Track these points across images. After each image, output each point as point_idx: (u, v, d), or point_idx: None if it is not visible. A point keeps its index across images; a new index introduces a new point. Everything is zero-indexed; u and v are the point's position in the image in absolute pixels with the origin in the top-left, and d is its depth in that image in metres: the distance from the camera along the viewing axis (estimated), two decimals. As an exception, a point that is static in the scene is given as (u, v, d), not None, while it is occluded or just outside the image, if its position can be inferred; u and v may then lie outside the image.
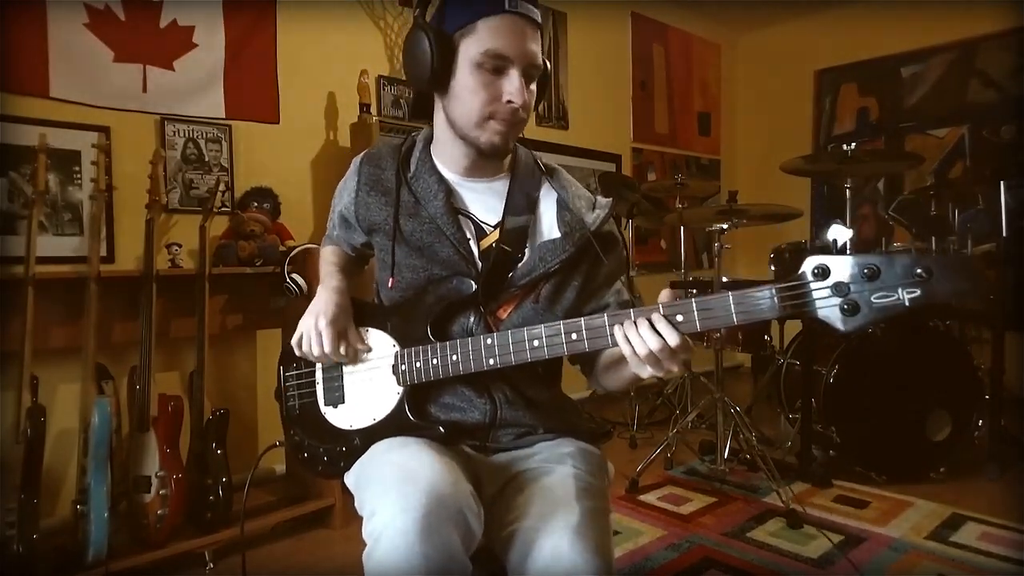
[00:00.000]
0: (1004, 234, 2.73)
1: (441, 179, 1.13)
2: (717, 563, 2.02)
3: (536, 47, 1.04)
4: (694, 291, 3.25)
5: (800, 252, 3.08)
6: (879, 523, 2.29)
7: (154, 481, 1.95)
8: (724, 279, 3.01)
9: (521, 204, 1.12)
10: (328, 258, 1.28)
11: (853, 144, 2.85)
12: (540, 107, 3.87)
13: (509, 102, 1.03)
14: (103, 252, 2.20)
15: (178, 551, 1.97)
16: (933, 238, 2.95)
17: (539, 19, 1.04)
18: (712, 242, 2.75)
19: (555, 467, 1.08)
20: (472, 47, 1.02)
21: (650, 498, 2.56)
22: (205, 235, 2.17)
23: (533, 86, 1.08)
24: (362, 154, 1.20)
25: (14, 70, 2.13)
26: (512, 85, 1.02)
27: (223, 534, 2.02)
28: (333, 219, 1.28)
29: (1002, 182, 2.74)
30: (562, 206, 1.13)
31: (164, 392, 2.03)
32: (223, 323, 2.40)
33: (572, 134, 4.07)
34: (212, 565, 2.03)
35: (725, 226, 2.71)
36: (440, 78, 1.05)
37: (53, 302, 1.99)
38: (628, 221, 3.77)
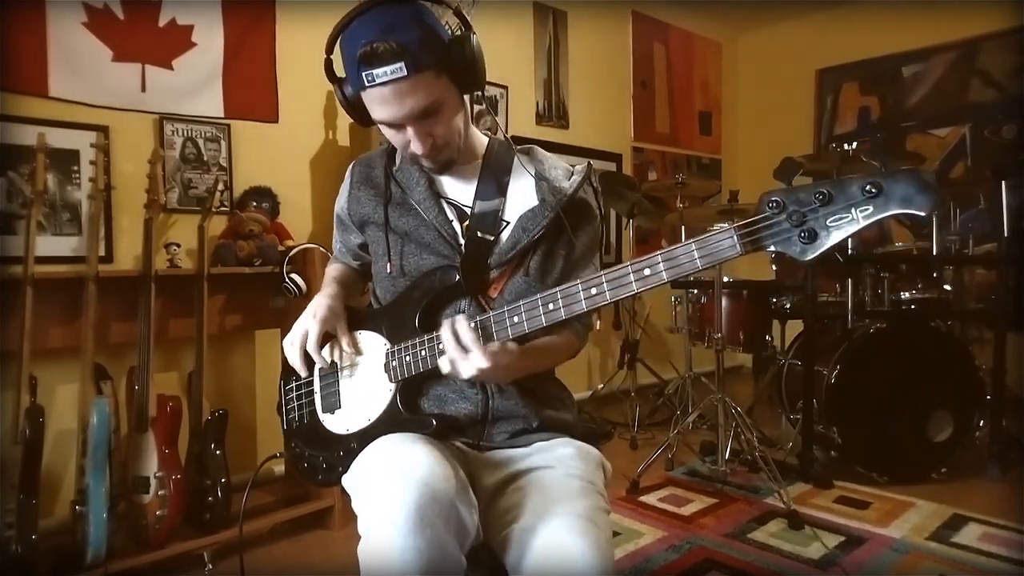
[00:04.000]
0: (1005, 234, 2.73)
1: (422, 168, 1.17)
2: (718, 564, 2.02)
3: (414, 100, 1.00)
4: (695, 291, 3.25)
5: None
6: (880, 524, 2.28)
7: (153, 482, 1.94)
8: (725, 279, 3.01)
9: (491, 188, 1.16)
10: (329, 273, 1.34)
11: (855, 143, 2.84)
12: (540, 106, 3.87)
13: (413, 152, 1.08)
14: (102, 252, 2.19)
15: (177, 552, 1.96)
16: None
17: (404, 71, 0.97)
18: (713, 242, 2.74)
19: (552, 467, 1.07)
20: (369, 110, 1.06)
21: (651, 499, 2.56)
22: (204, 235, 2.17)
23: (446, 111, 1.06)
24: (354, 160, 1.28)
25: (13, 69, 2.12)
26: (410, 140, 1.06)
27: (222, 535, 2.01)
28: (335, 232, 1.34)
29: (1003, 182, 2.74)
30: (539, 177, 1.16)
31: (163, 392, 2.03)
32: (222, 323, 2.39)
33: (572, 133, 4.06)
34: (211, 566, 2.03)
35: (726, 225, 2.70)
36: (365, 121, 1.10)
37: (51, 302, 1.98)
38: (629, 221, 3.76)
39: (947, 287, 2.93)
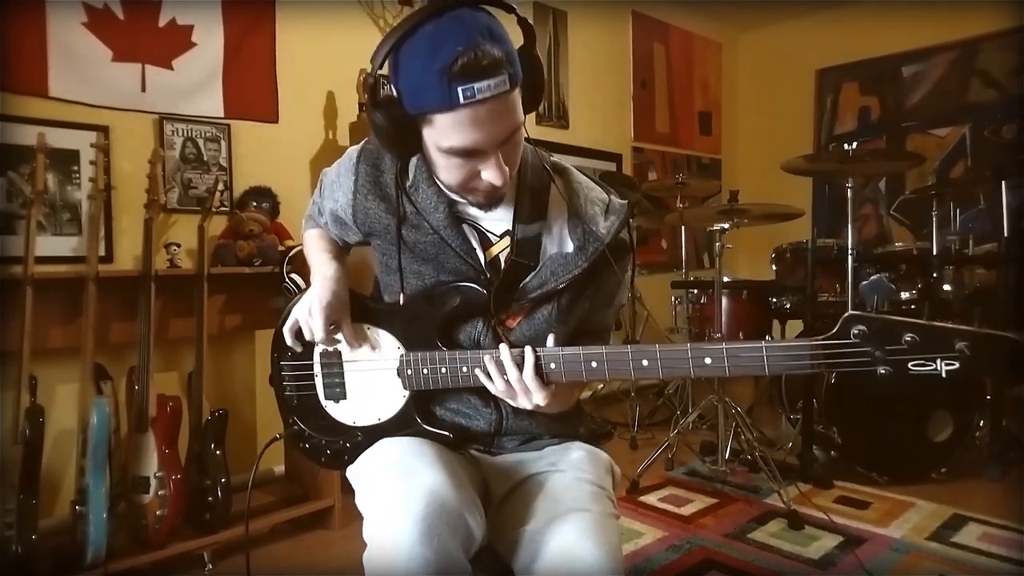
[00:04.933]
0: (1005, 234, 2.73)
1: (440, 191, 1.04)
2: (718, 564, 2.02)
3: (508, 121, 0.89)
4: (695, 291, 3.25)
5: (801, 252, 3.06)
6: (880, 524, 2.28)
7: (153, 482, 1.94)
8: (725, 279, 3.00)
9: (531, 211, 1.05)
10: (317, 243, 1.20)
11: (854, 143, 2.84)
12: (540, 106, 3.87)
13: (490, 183, 0.94)
14: (102, 252, 2.19)
15: (177, 552, 1.96)
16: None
17: (507, 85, 0.85)
18: (713, 242, 2.74)
19: (564, 471, 1.07)
20: (434, 136, 0.90)
21: (651, 499, 2.56)
22: (204, 235, 2.16)
23: (520, 135, 0.95)
24: (358, 149, 1.10)
25: (13, 69, 2.12)
26: (489, 169, 0.92)
27: (222, 535, 2.01)
28: (320, 207, 1.20)
29: (1003, 181, 2.74)
30: (573, 213, 1.05)
31: (163, 392, 2.02)
32: (222, 323, 2.39)
33: (572, 133, 4.06)
34: (211, 566, 2.03)
35: (726, 226, 2.70)
36: (405, 152, 0.97)
37: (52, 302, 1.98)
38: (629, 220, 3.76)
39: (947, 287, 2.93)
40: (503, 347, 0.97)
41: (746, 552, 2.10)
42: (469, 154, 0.90)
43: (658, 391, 3.89)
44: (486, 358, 0.98)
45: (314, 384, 1.18)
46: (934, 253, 2.94)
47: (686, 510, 2.44)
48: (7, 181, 2.11)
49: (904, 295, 2.92)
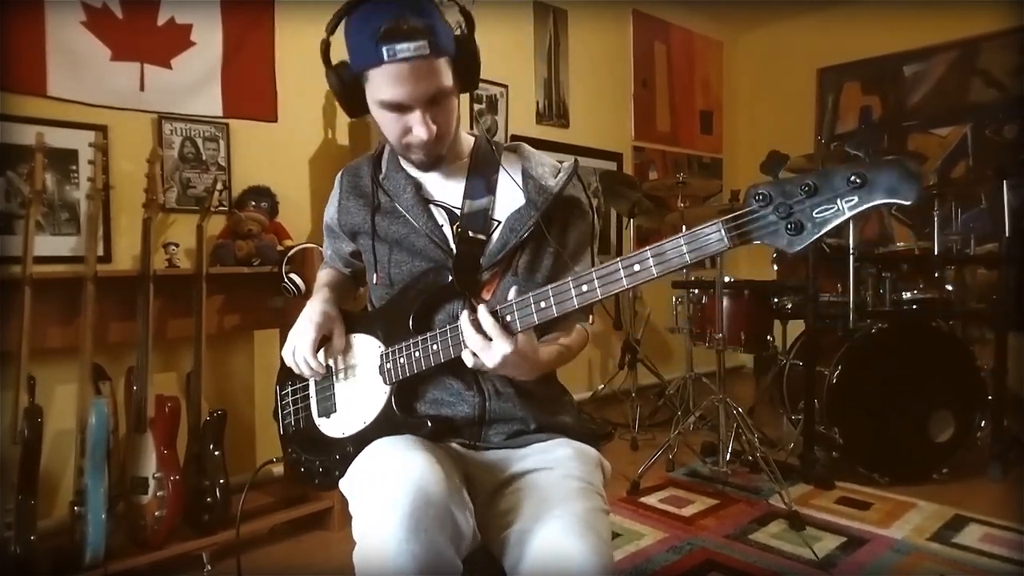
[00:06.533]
0: (1007, 234, 2.72)
1: (408, 175, 1.17)
2: (719, 565, 2.01)
3: (429, 81, 1.01)
4: (695, 291, 3.24)
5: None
6: (881, 524, 2.27)
7: (151, 482, 1.94)
8: (726, 279, 3.00)
9: (479, 187, 1.15)
10: (320, 279, 1.33)
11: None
12: (540, 105, 3.86)
13: (419, 137, 1.06)
14: (100, 252, 2.19)
15: (176, 553, 1.96)
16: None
17: (427, 50, 0.98)
18: (713, 242, 2.73)
19: (550, 468, 1.07)
20: (371, 91, 1.05)
21: (651, 500, 2.55)
22: (202, 234, 2.16)
23: (451, 101, 1.07)
24: (342, 169, 1.27)
25: (12, 69, 2.12)
26: (416, 124, 1.04)
27: (221, 536, 2.01)
28: (325, 239, 1.34)
29: (1005, 181, 2.73)
30: (526, 175, 1.15)
31: (161, 393, 2.02)
32: (220, 323, 2.38)
33: (573, 132, 4.05)
34: (210, 567, 2.02)
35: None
36: (357, 109, 1.09)
37: (50, 302, 1.98)
38: (629, 220, 3.75)
39: (949, 287, 2.92)
40: (463, 313, 0.99)
41: (747, 553, 2.09)
42: (398, 108, 1.04)
43: (659, 392, 3.88)
44: (452, 327, 1.02)
45: (310, 405, 1.21)
46: (935, 253, 2.93)
47: (687, 511, 2.44)
48: (6, 181, 2.10)
49: (906, 295, 2.91)
